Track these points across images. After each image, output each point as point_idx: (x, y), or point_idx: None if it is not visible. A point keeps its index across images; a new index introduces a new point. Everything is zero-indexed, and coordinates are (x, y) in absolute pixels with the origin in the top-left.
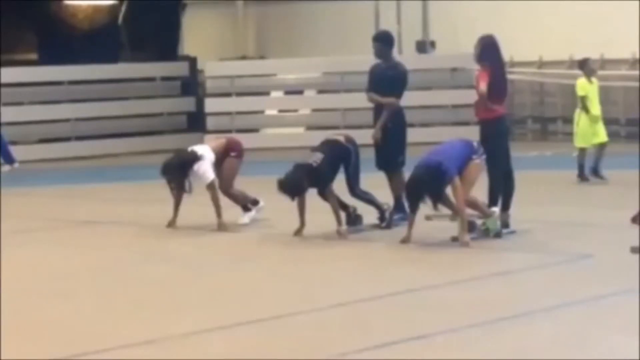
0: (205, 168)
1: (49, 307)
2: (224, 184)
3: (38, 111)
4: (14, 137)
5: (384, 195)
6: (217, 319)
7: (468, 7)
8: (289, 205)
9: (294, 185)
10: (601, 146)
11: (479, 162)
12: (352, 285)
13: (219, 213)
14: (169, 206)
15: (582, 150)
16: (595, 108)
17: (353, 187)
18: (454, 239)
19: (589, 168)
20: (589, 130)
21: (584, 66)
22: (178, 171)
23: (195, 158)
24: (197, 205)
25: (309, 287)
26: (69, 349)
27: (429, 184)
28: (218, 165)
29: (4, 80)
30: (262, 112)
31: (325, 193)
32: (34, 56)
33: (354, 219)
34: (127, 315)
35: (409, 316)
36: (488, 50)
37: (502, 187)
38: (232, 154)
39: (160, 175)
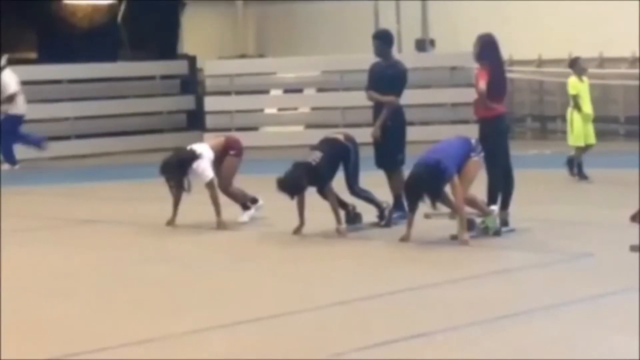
0: (205, 166)
1: (49, 306)
2: (223, 182)
3: (38, 110)
4: None
5: (384, 193)
6: (216, 318)
7: (467, 6)
8: (288, 203)
9: (293, 183)
10: (587, 147)
11: (477, 159)
12: (352, 283)
13: (218, 211)
14: (168, 205)
15: (578, 149)
16: (587, 107)
17: (352, 185)
18: (453, 237)
19: (566, 157)
20: (582, 129)
21: (574, 65)
22: (177, 170)
23: (194, 156)
24: (196, 204)
25: (308, 285)
26: (69, 348)
27: (428, 182)
28: (217, 163)
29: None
30: (261, 110)
31: (324, 191)
32: (33, 55)
33: (353, 218)
34: (127, 314)
35: (409, 315)
36: (487, 48)
37: (501, 186)
38: (232, 152)
39: (160, 174)
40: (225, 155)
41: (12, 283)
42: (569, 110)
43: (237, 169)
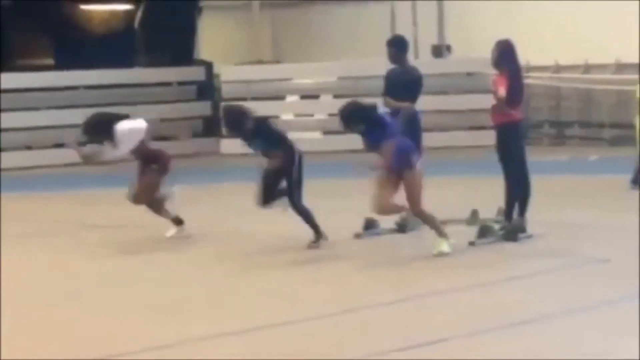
0: (127, 137)
1: (63, 312)
2: (141, 194)
3: (54, 116)
4: (29, 142)
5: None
6: (230, 324)
7: (484, 11)
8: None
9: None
10: None
11: (419, 169)
12: (370, 288)
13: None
14: (185, 210)
15: None
16: None
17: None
18: (471, 244)
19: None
20: None
21: None
22: (100, 129)
23: (119, 117)
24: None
25: (325, 290)
26: (84, 353)
27: (365, 114)
28: (140, 171)
29: (20, 85)
30: (277, 116)
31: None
32: (50, 61)
33: (370, 224)
34: (140, 320)
35: (426, 320)
36: (505, 54)
37: (518, 192)
38: (154, 166)
39: (83, 136)
40: (150, 164)
41: (24, 288)
42: (638, 116)
43: (158, 185)
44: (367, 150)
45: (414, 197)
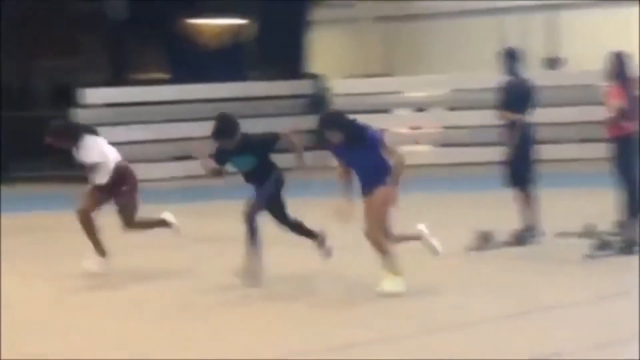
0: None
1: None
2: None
3: (169, 129)
4: (145, 156)
5: (511, 214)
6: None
7: (597, 23)
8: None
9: None
10: None
11: (392, 190)
12: (487, 303)
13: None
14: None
15: None
16: None
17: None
18: (588, 256)
19: None
20: None
21: None
22: (66, 135)
23: (89, 131)
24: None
25: (443, 304)
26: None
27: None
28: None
29: (135, 99)
30: (388, 129)
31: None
32: (165, 75)
33: (485, 237)
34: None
35: (546, 334)
36: (619, 66)
37: (634, 205)
38: (124, 187)
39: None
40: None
41: (134, 296)
42: None
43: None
44: (341, 167)
45: (373, 218)
